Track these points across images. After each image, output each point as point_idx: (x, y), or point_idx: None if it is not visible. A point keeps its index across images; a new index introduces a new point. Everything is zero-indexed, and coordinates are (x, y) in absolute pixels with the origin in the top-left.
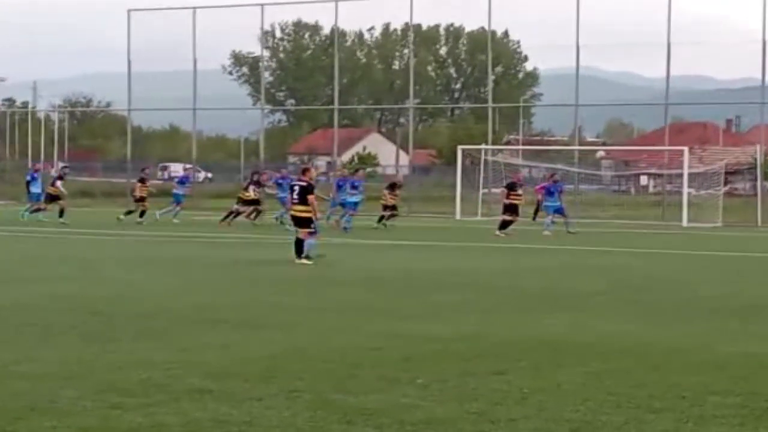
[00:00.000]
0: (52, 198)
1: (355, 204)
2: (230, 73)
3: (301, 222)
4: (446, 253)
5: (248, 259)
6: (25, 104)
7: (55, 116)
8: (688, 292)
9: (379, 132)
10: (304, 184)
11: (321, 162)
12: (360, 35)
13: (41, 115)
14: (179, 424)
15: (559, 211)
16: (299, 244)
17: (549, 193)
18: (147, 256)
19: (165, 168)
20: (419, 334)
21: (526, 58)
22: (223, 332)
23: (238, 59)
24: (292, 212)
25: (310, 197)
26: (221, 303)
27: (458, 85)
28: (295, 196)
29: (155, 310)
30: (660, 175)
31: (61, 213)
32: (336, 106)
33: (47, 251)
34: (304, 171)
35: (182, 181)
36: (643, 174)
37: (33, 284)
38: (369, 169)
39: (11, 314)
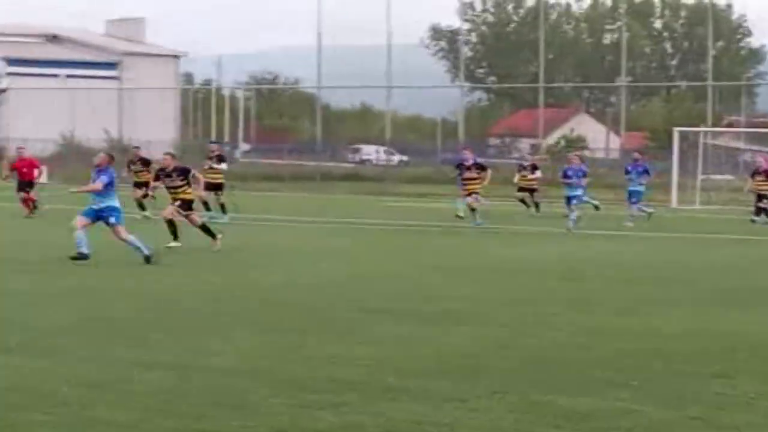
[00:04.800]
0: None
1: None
2: (427, 47)
3: None
4: (658, 243)
5: (433, 246)
6: (207, 81)
7: (239, 94)
8: None
9: (587, 112)
10: None
11: (524, 144)
12: (567, 7)
13: (225, 93)
14: (374, 425)
15: None
16: None
17: None
18: (325, 245)
19: (357, 150)
20: (628, 330)
21: (750, 33)
22: (414, 325)
23: (436, 32)
24: None
25: None
26: (409, 293)
27: (674, 62)
28: None
29: (338, 300)
30: None
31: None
32: (541, 84)
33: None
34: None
35: None
36: None
37: (208, 272)
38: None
39: (176, 304)
